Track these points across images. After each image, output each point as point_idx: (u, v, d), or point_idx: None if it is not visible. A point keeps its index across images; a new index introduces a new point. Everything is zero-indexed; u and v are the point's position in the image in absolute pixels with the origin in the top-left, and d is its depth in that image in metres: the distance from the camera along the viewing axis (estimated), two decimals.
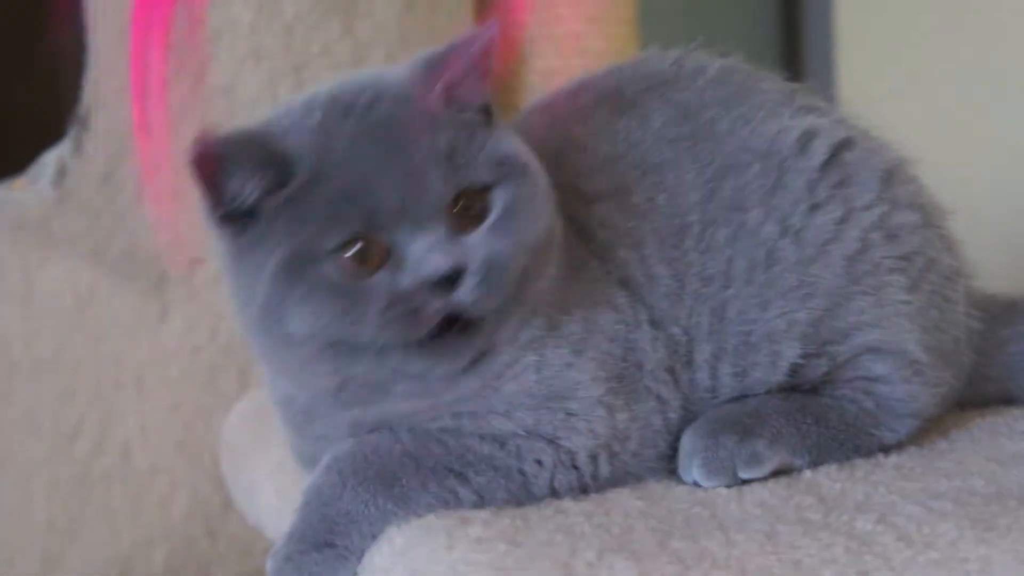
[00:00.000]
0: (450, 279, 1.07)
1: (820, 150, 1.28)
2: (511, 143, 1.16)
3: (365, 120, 1.10)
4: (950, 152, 1.96)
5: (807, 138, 1.28)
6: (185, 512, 1.94)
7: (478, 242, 1.10)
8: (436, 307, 1.07)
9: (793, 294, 1.24)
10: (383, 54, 1.99)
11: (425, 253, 1.07)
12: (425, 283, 1.07)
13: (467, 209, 1.11)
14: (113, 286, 1.88)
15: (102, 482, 1.90)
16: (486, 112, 1.16)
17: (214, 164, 1.06)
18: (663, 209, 1.25)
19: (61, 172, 1.86)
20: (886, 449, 1.26)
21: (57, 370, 1.87)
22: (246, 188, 1.08)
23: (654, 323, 1.23)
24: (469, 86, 1.13)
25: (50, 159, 1.87)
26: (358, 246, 1.08)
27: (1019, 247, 2.25)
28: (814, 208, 1.25)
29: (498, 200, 1.12)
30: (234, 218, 1.11)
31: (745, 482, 1.18)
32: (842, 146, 1.29)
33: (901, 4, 2.93)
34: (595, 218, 1.24)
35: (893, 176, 1.30)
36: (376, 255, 1.08)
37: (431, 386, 1.15)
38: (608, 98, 1.32)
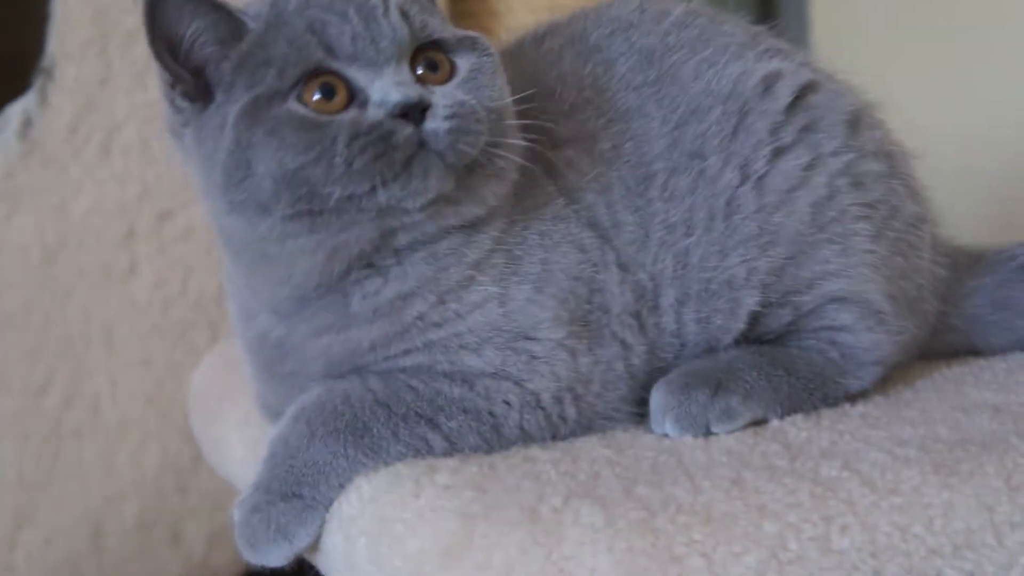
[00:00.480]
0: (420, 111, 1.09)
1: (784, 92, 1.27)
2: (476, 34, 1.19)
3: None
4: (917, 95, 1.96)
5: (771, 80, 1.28)
6: (156, 467, 1.94)
7: (445, 91, 1.12)
8: (406, 133, 1.08)
9: (753, 242, 1.24)
10: None
11: (390, 87, 1.09)
12: (393, 111, 1.08)
13: (432, 67, 1.14)
14: (81, 240, 1.87)
15: (72, 437, 1.89)
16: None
17: (165, 12, 1.10)
18: (629, 157, 1.25)
19: (26, 124, 1.84)
20: (852, 398, 1.27)
21: (25, 325, 1.86)
22: (198, 38, 1.11)
23: (622, 267, 1.23)
24: None
25: (15, 111, 1.85)
26: (319, 84, 1.10)
27: (988, 193, 2.25)
28: (778, 153, 1.25)
29: (462, 64, 1.15)
30: (194, 93, 1.14)
31: (714, 434, 1.18)
32: (807, 88, 1.29)
33: None
34: (563, 159, 1.25)
35: (859, 121, 1.30)
36: (340, 94, 1.10)
37: (393, 305, 1.15)
38: (574, 43, 1.32)
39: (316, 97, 1.09)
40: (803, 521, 0.93)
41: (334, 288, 1.16)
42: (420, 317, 1.16)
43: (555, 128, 1.25)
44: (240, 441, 1.42)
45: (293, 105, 1.09)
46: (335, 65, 1.10)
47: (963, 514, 0.94)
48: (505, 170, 1.16)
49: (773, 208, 1.24)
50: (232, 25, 1.12)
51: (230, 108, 1.11)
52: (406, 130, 1.08)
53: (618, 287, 1.22)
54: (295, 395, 1.20)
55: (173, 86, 1.15)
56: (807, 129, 1.26)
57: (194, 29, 1.11)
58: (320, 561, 1.14)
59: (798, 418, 1.21)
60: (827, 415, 1.22)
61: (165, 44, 1.12)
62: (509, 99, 1.17)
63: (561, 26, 1.35)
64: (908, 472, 1.01)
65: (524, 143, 1.18)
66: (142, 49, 1.84)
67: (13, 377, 1.85)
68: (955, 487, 0.98)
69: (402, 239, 1.15)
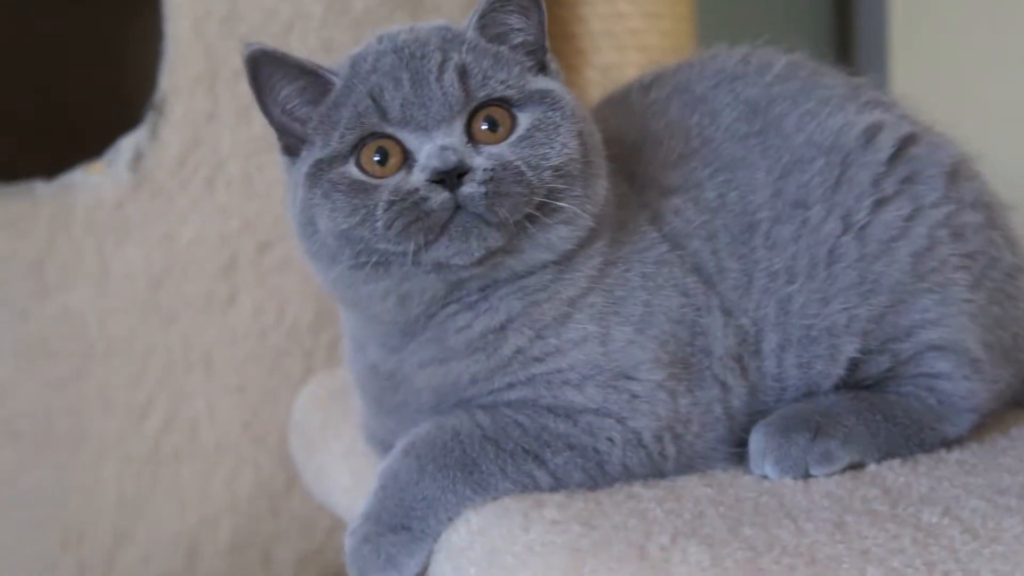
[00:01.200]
0: (457, 176, 1.12)
1: (886, 144, 1.30)
2: (554, 85, 1.21)
3: (393, 41, 1.20)
4: (1006, 147, 1.96)
5: (872, 132, 1.31)
6: (250, 490, 1.98)
7: (494, 151, 1.15)
8: (439, 199, 1.11)
9: (854, 291, 1.26)
10: None
11: (433, 153, 1.13)
12: (431, 177, 1.12)
13: (493, 125, 1.16)
14: (185, 269, 1.92)
15: (171, 460, 1.94)
16: (534, 55, 1.22)
17: (262, 65, 1.18)
18: (733, 206, 1.28)
19: (137, 157, 1.90)
20: (948, 444, 1.29)
21: (130, 350, 1.91)
22: (291, 98, 1.19)
23: (725, 311, 1.26)
24: (498, 20, 1.20)
25: (127, 144, 1.91)
26: (376, 147, 1.15)
27: None
28: (880, 203, 1.28)
29: (523, 121, 1.17)
30: (290, 148, 1.22)
31: (812, 476, 1.21)
32: (908, 141, 1.31)
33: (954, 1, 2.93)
34: (670, 208, 1.28)
35: (958, 173, 1.32)
36: (395, 157, 1.15)
37: (486, 339, 1.19)
38: (680, 93, 1.35)
39: (374, 159, 1.15)
40: (906, 566, 0.95)
41: (433, 323, 1.21)
42: (519, 351, 1.20)
43: (662, 177, 1.29)
44: (345, 470, 1.46)
45: (350, 168, 1.16)
46: (389, 129, 1.15)
47: None
48: (576, 217, 1.18)
49: (874, 257, 1.26)
50: (319, 86, 1.19)
51: (304, 166, 1.19)
52: (440, 196, 1.11)
53: (721, 331, 1.25)
54: (405, 427, 1.24)
55: (279, 140, 1.23)
56: (908, 180, 1.29)
57: (287, 91, 1.19)
58: None
59: (895, 463, 1.23)
60: (924, 461, 1.24)
61: (268, 103, 1.20)
62: (575, 149, 1.17)
63: (667, 76, 1.39)
64: (1009, 520, 1.03)
65: (608, 190, 1.21)
66: (247, 86, 1.91)
67: (117, 400, 1.91)
68: None
69: (473, 285, 1.19)
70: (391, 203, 1.12)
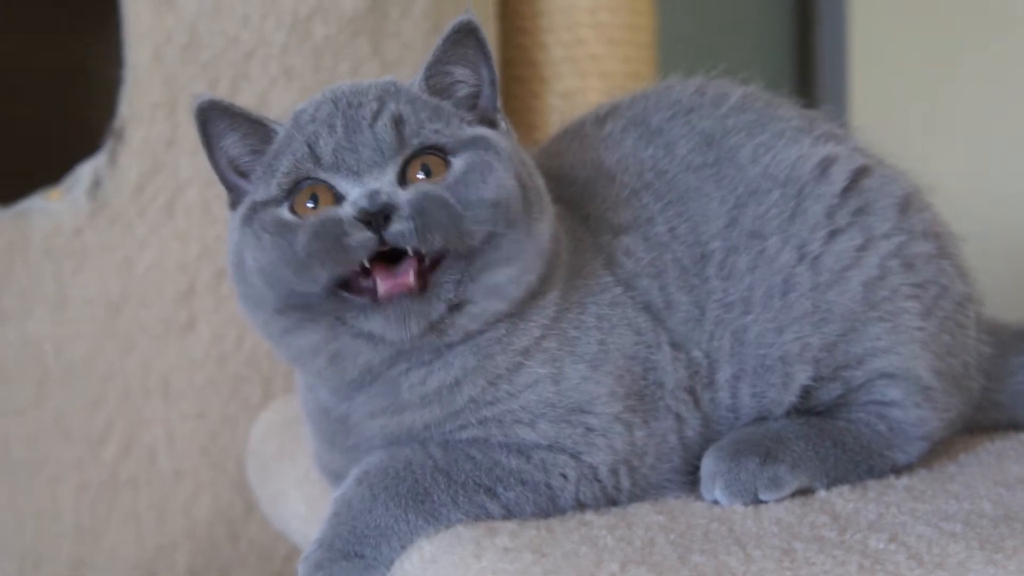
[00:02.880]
0: (384, 218, 1.11)
1: (839, 177, 1.32)
2: (490, 133, 1.21)
3: (334, 92, 1.21)
4: (962, 178, 1.99)
5: (826, 164, 1.32)
6: (208, 516, 1.97)
7: (422, 187, 1.15)
8: (361, 236, 1.11)
9: (808, 319, 1.28)
10: (410, 74, 2.02)
11: (361, 195, 1.13)
12: (357, 216, 1.12)
13: (427, 173, 1.16)
14: (143, 296, 1.92)
15: (129, 486, 1.93)
16: (479, 110, 1.23)
17: (211, 117, 1.20)
18: (685, 238, 1.30)
19: (96, 184, 1.89)
20: (897, 471, 1.30)
21: (88, 376, 1.90)
22: (235, 146, 1.22)
23: (675, 345, 1.27)
24: (444, 72, 1.22)
25: (85, 171, 1.90)
26: (310, 193, 1.16)
27: None
28: (833, 234, 1.29)
29: (456, 165, 1.17)
30: (237, 201, 1.23)
31: (763, 502, 1.22)
32: (861, 173, 1.33)
33: (915, 30, 2.97)
34: (620, 248, 1.29)
35: (910, 204, 1.34)
36: (325, 201, 1.16)
37: (441, 393, 1.19)
38: (635, 126, 1.37)
39: (307, 204, 1.16)
40: None
41: (382, 378, 1.21)
42: (472, 400, 1.20)
43: (614, 216, 1.30)
44: (300, 498, 1.46)
45: (282, 211, 1.17)
46: (322, 175, 1.16)
47: None
48: (519, 256, 1.17)
49: (827, 286, 1.28)
50: (264, 137, 1.22)
51: (241, 209, 1.21)
52: (363, 234, 1.11)
53: (671, 364, 1.25)
54: (357, 462, 1.24)
55: (227, 194, 1.25)
56: (860, 212, 1.31)
57: (234, 142, 1.22)
58: None
59: (845, 489, 1.24)
60: (873, 487, 1.25)
61: (216, 156, 1.22)
62: (511, 188, 1.16)
63: (623, 107, 1.40)
64: (954, 547, 1.04)
65: (561, 235, 1.22)
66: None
67: (74, 426, 1.90)
68: (999, 563, 1.00)
69: (423, 350, 1.19)
70: (312, 234, 1.12)
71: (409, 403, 1.21)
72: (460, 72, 1.22)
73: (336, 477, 1.30)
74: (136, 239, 1.91)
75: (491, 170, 1.16)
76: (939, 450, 1.35)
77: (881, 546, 1.05)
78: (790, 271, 1.28)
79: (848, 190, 1.31)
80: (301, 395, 1.35)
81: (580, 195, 1.32)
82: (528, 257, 1.18)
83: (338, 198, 1.15)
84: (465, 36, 1.20)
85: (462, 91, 1.23)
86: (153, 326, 1.93)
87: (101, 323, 1.90)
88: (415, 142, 1.16)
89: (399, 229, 1.11)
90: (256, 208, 1.18)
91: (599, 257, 1.28)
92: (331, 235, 1.11)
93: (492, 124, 1.23)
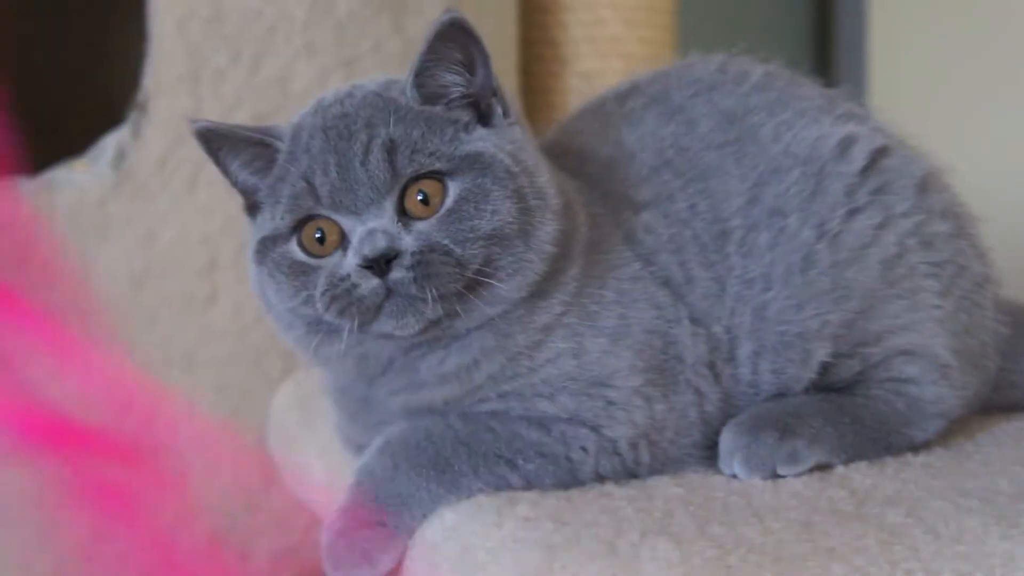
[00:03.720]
0: (386, 261, 1.13)
1: (859, 156, 1.32)
2: (487, 143, 1.19)
3: (327, 114, 1.19)
4: (979, 160, 1.99)
5: (847, 144, 1.33)
6: (228, 487, 1.99)
7: (424, 229, 1.15)
8: (369, 286, 1.13)
9: (827, 296, 1.28)
10: None
11: (365, 236, 1.14)
12: (361, 263, 1.13)
13: (425, 197, 1.16)
14: (165, 268, 1.93)
15: (151, 458, 1.94)
16: (474, 107, 1.22)
17: (210, 140, 1.21)
18: (705, 215, 1.30)
19: (120, 156, 1.90)
20: (915, 448, 1.31)
21: (110, 348, 1.92)
22: (240, 168, 1.22)
23: (694, 321, 1.28)
24: (435, 76, 1.19)
25: (109, 142, 1.92)
26: (316, 228, 1.17)
27: None
28: (852, 213, 1.30)
29: (452, 191, 1.17)
30: (251, 208, 1.25)
31: (781, 476, 1.23)
32: (880, 153, 1.34)
33: (934, 11, 2.96)
34: (641, 224, 1.30)
35: (928, 184, 1.35)
36: (332, 236, 1.17)
37: (459, 372, 1.21)
38: (657, 103, 1.37)
39: (315, 237, 1.17)
40: (870, 565, 0.97)
41: (403, 359, 1.22)
42: (491, 377, 1.21)
43: (634, 193, 1.31)
44: (322, 467, 1.47)
45: (292, 248, 1.18)
46: (324, 212, 1.17)
47: (1023, 564, 0.97)
48: (516, 271, 1.18)
49: (846, 264, 1.29)
50: (267, 155, 1.21)
51: (252, 241, 1.23)
52: (371, 283, 1.13)
53: (691, 339, 1.26)
54: (379, 434, 1.26)
55: (242, 199, 1.26)
56: (880, 191, 1.31)
57: (238, 162, 1.22)
58: None
59: (862, 465, 1.25)
60: (890, 463, 1.26)
61: (226, 170, 1.23)
62: (507, 212, 1.16)
63: (644, 84, 1.40)
64: (971, 522, 1.05)
65: (557, 230, 1.20)
66: (231, 86, 1.92)
67: (98, 397, 1.91)
68: (1016, 538, 1.01)
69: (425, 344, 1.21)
70: (326, 288, 1.15)
71: (427, 382, 1.22)
72: (451, 76, 1.19)
73: (358, 448, 1.32)
74: (159, 212, 1.92)
75: (487, 198, 1.16)
76: (956, 428, 1.36)
77: (898, 520, 1.07)
78: (810, 248, 1.29)
79: (868, 169, 1.32)
80: (321, 375, 1.37)
81: (601, 172, 1.33)
82: (527, 266, 1.18)
83: (343, 233, 1.16)
84: (453, 34, 1.17)
85: (455, 93, 1.20)
86: (175, 299, 1.95)
87: (124, 296, 1.92)
88: (409, 171, 1.15)
89: (400, 277, 1.13)
90: (267, 244, 1.20)
91: (619, 233, 1.28)
92: (343, 290, 1.14)
93: (490, 116, 1.22)
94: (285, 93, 1.95)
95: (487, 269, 1.16)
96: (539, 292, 1.21)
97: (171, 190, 1.92)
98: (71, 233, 1.88)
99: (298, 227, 1.18)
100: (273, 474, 1.85)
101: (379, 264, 1.12)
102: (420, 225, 1.15)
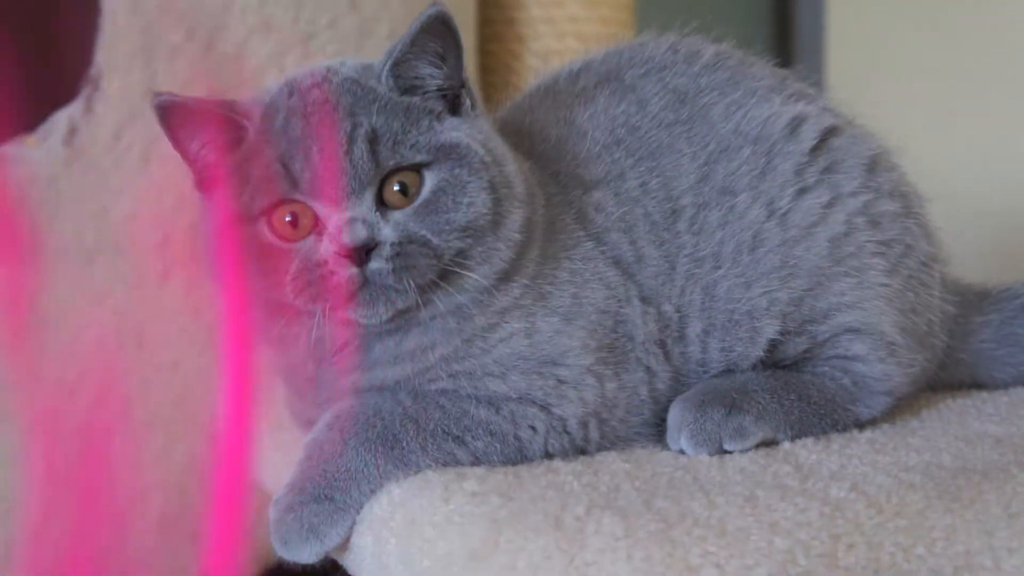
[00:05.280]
0: (367, 251, 1.13)
1: (809, 135, 1.33)
2: (460, 133, 1.20)
3: (305, 98, 1.18)
4: (931, 139, 2.01)
5: (796, 123, 1.34)
6: (181, 466, 1.98)
7: (400, 220, 1.15)
8: (346, 276, 1.13)
9: (775, 274, 1.30)
10: (388, 30, 2.03)
11: (343, 225, 1.14)
12: (339, 252, 1.13)
13: (403, 188, 1.16)
14: (118, 245, 1.92)
15: (101, 436, 1.93)
16: (447, 98, 1.22)
17: (171, 114, 1.18)
18: (656, 193, 1.31)
19: (72, 131, 1.88)
20: (860, 425, 1.33)
21: (61, 326, 1.90)
22: (200, 141, 1.20)
23: (644, 299, 1.28)
24: (412, 68, 1.20)
25: (62, 118, 1.89)
26: (288, 212, 1.16)
27: (995, 235, 2.30)
28: (802, 192, 1.31)
29: (428, 182, 1.17)
30: (205, 184, 1.22)
31: (727, 452, 1.24)
32: (830, 132, 1.35)
33: None
34: (591, 203, 1.30)
35: (877, 164, 1.36)
36: (306, 221, 1.16)
37: (414, 353, 1.21)
38: (608, 82, 1.38)
39: (286, 220, 1.16)
40: (812, 538, 0.98)
41: (357, 342, 1.22)
42: (443, 357, 1.21)
43: (585, 172, 1.31)
44: (271, 444, 1.47)
45: (260, 230, 1.17)
46: (299, 197, 1.16)
47: (964, 538, 0.99)
48: (486, 260, 1.19)
49: (795, 242, 1.30)
50: (231, 132, 1.19)
51: (219, 211, 1.19)
52: (348, 271, 1.13)
53: (641, 318, 1.27)
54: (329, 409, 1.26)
55: (192, 173, 1.24)
56: (828, 170, 1.32)
57: (199, 137, 1.20)
58: (349, 560, 1.20)
59: (808, 441, 1.26)
60: (836, 439, 1.27)
61: (181, 145, 1.21)
62: (482, 204, 1.17)
63: (596, 63, 1.41)
64: (913, 496, 1.06)
65: (524, 218, 1.21)
66: (185, 62, 1.90)
67: (47, 376, 1.90)
68: (957, 512, 1.03)
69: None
70: (300, 271, 1.14)
71: (381, 361, 1.22)
72: (429, 69, 1.20)
73: (307, 423, 1.32)
74: (111, 188, 1.90)
75: (463, 189, 1.17)
76: (902, 406, 1.38)
77: (842, 495, 1.08)
78: (759, 227, 1.30)
79: (817, 149, 1.33)
80: (272, 352, 1.35)
81: (552, 151, 1.33)
82: (496, 255, 1.19)
83: (317, 219, 1.15)
84: (436, 28, 1.18)
85: (431, 85, 1.21)
86: (128, 276, 1.93)
87: (75, 273, 1.90)
88: (391, 163, 1.16)
89: (378, 267, 1.13)
90: (237, 220, 1.18)
91: (570, 212, 1.29)
92: (318, 275, 1.13)
93: (458, 107, 1.23)
94: (241, 70, 1.94)
95: (459, 259, 1.17)
96: (502, 277, 1.21)
97: (124, 166, 1.90)
98: (23, 209, 1.86)
99: (268, 210, 1.17)
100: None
101: (359, 253, 1.12)
102: (397, 215, 1.15)
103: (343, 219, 1.13)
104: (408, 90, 1.20)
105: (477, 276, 1.18)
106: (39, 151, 1.88)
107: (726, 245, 1.29)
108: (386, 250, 1.13)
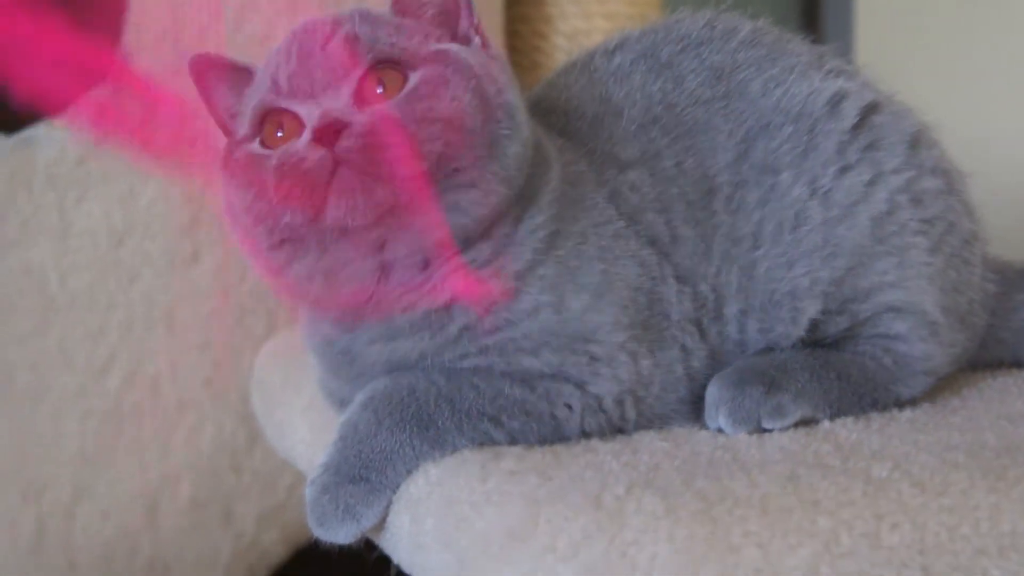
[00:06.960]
0: (334, 133, 1.10)
1: (850, 112, 1.31)
2: (456, 48, 1.19)
3: (298, 25, 1.20)
4: (966, 117, 1.99)
5: (837, 100, 1.32)
6: (211, 447, 1.98)
7: (377, 109, 1.13)
8: (316, 156, 1.10)
9: (817, 253, 1.28)
10: None
11: (316, 115, 1.13)
12: (311, 137, 1.11)
13: (384, 88, 1.14)
14: (147, 226, 1.92)
15: (132, 416, 1.94)
16: (448, 27, 1.22)
17: (203, 71, 1.24)
18: (692, 172, 1.29)
19: (100, 112, 1.88)
20: (901, 404, 1.31)
21: (90, 306, 1.90)
22: (225, 95, 1.24)
23: (680, 279, 1.27)
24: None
25: (91, 99, 1.89)
26: (276, 123, 1.16)
27: None
28: (844, 170, 1.29)
29: (412, 79, 1.15)
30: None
31: (766, 431, 1.23)
32: (871, 109, 1.33)
33: None
34: (626, 183, 1.28)
35: (919, 141, 1.34)
36: (289, 127, 1.16)
37: (430, 319, 1.19)
38: (644, 59, 1.36)
39: (277, 134, 1.16)
40: (855, 517, 0.96)
41: (376, 304, 1.20)
42: (466, 328, 1.19)
43: (620, 151, 1.30)
44: (305, 425, 1.47)
45: (254, 145, 1.16)
46: (282, 103, 1.15)
47: (1009, 517, 0.97)
48: (480, 178, 1.15)
49: (837, 221, 1.28)
50: (246, 80, 1.22)
51: (226, 149, 1.20)
52: (317, 153, 1.10)
53: (676, 297, 1.26)
54: (363, 387, 1.24)
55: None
56: (870, 148, 1.31)
57: (224, 92, 1.23)
58: (385, 540, 1.19)
59: (848, 420, 1.25)
60: (876, 419, 1.26)
61: (212, 107, 1.24)
62: (467, 102, 1.14)
63: (632, 40, 1.39)
64: (956, 475, 1.05)
65: (524, 152, 1.19)
66: (212, 44, 1.89)
67: (77, 356, 1.90)
68: (1002, 491, 1.01)
69: (400, 252, 1.16)
70: (278, 167, 1.12)
71: (401, 329, 1.20)
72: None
73: (341, 403, 1.31)
74: (140, 169, 1.90)
75: (445, 84, 1.14)
76: (943, 385, 1.36)
77: (884, 474, 1.06)
78: (802, 205, 1.28)
79: (859, 126, 1.31)
80: (304, 329, 1.34)
81: (588, 129, 1.32)
82: (491, 179, 1.16)
83: (300, 123, 1.15)
84: None
85: (430, 11, 1.21)
86: (157, 257, 1.93)
87: (104, 254, 1.90)
88: (369, 57, 1.14)
89: (348, 145, 1.09)
90: (231, 148, 1.19)
91: (602, 191, 1.27)
92: (291, 166, 1.10)
93: (467, 41, 1.22)
94: (268, 50, 1.93)
95: (446, 167, 1.13)
96: (505, 235, 1.19)
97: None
98: (50, 191, 1.86)
99: (261, 124, 1.17)
100: (257, 434, 1.84)
101: (328, 135, 1.09)
102: (375, 106, 1.13)
103: (318, 110, 1.13)
104: (406, 16, 1.21)
105: (466, 197, 1.14)
106: (67, 132, 1.88)
107: (766, 224, 1.28)
108: (356, 128, 1.10)
